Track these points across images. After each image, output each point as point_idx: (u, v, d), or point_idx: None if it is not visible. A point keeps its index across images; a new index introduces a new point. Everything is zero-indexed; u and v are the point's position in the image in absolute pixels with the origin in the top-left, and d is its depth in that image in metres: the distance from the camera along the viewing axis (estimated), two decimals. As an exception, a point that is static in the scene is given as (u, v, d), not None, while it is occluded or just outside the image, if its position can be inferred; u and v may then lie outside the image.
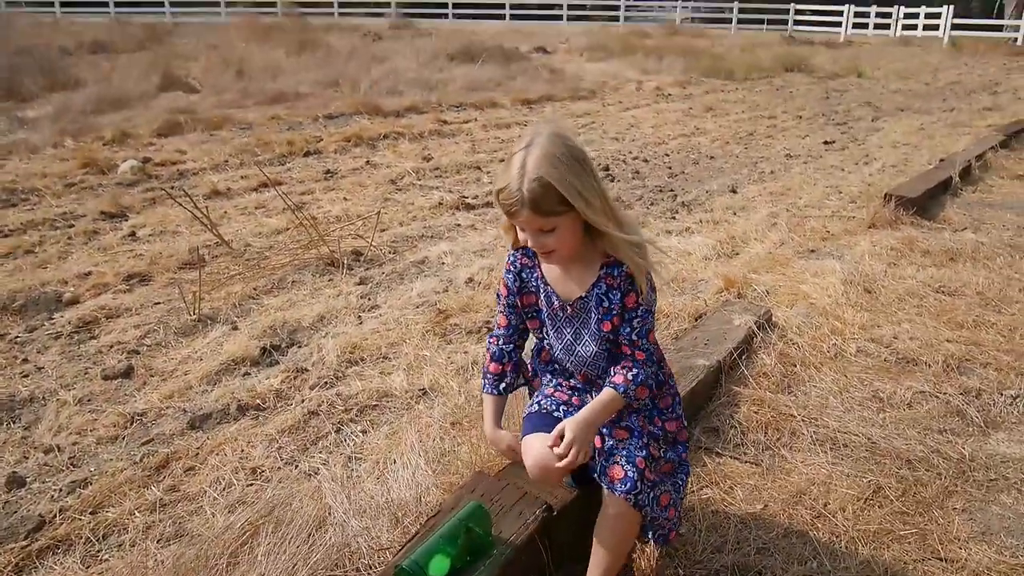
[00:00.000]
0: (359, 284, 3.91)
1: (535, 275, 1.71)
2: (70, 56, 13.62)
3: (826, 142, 7.91)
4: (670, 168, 6.69)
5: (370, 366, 3.06)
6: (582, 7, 32.94)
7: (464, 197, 5.46)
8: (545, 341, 1.78)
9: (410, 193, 5.65)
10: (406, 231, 4.76)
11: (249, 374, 3.04)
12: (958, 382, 2.79)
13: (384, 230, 4.73)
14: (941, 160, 6.60)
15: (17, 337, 3.37)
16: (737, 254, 4.33)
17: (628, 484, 1.55)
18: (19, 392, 2.90)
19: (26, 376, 3.03)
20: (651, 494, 1.59)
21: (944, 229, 4.76)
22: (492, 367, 1.82)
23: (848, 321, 3.24)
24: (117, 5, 33.41)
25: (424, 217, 5.08)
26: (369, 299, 3.73)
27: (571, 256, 1.62)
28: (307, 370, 3.03)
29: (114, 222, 4.94)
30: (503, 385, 1.82)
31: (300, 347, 3.25)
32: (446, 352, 3.14)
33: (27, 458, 2.50)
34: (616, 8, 30.14)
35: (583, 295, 1.64)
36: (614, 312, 1.63)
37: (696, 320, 3.24)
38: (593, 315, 1.65)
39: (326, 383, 2.93)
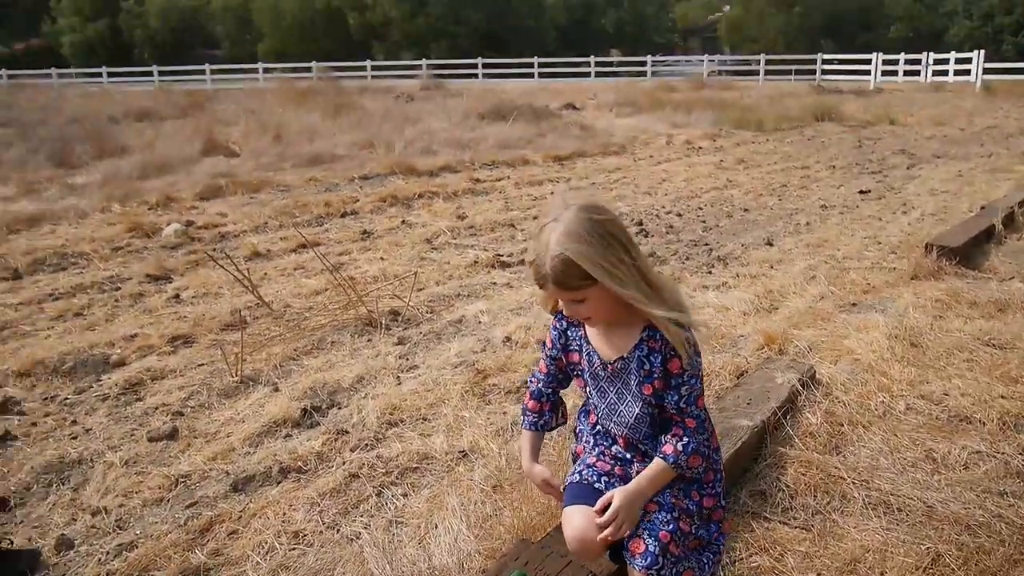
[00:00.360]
0: (397, 344, 3.93)
1: (579, 334, 1.73)
2: (117, 124, 14.15)
3: (862, 191, 7.86)
4: (704, 222, 6.69)
5: (410, 427, 3.06)
6: (609, 64, 33.54)
7: (499, 255, 5.50)
8: (590, 401, 1.77)
9: (446, 252, 5.71)
10: (442, 290, 4.80)
11: (291, 436, 3.05)
12: (1016, 441, 2.70)
13: (421, 289, 4.77)
14: (982, 207, 6.51)
15: (66, 399, 3.44)
16: (776, 309, 4.29)
17: (648, 559, 1.53)
18: (68, 454, 2.96)
19: (75, 438, 3.09)
20: (673, 570, 1.55)
21: (990, 279, 4.66)
22: (531, 404, 1.85)
23: (895, 377, 3.17)
24: (161, 73, 34.78)
25: (460, 276, 5.12)
26: (407, 359, 3.74)
27: (607, 321, 1.64)
28: (347, 432, 3.04)
29: (159, 285, 5.06)
30: (541, 422, 1.85)
31: (340, 408, 3.26)
32: (485, 413, 3.13)
33: (75, 520, 2.54)
34: (643, 64, 30.62)
35: (624, 356, 1.64)
36: (655, 375, 1.62)
37: (737, 378, 3.19)
38: (634, 377, 1.64)
39: (366, 445, 2.94)
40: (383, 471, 2.74)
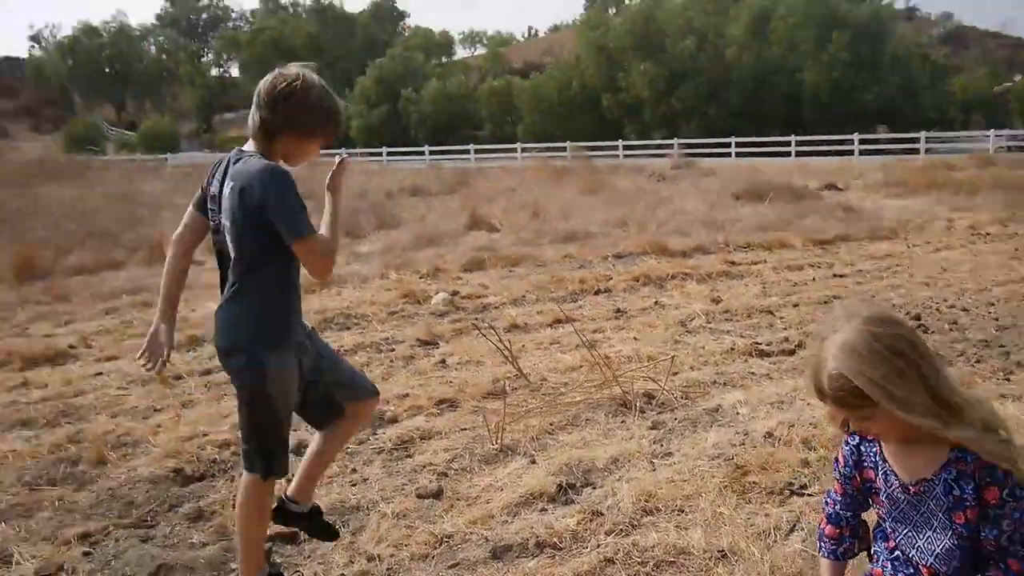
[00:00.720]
0: (651, 428, 3.89)
1: (874, 450, 1.57)
2: (393, 199, 15.75)
3: None
4: (997, 319, 5.95)
5: (665, 517, 2.98)
6: (876, 141, 31.54)
7: (757, 343, 5.28)
8: (886, 523, 1.61)
9: (700, 336, 5.60)
10: (698, 376, 4.70)
11: (546, 510, 3.11)
12: None
13: (675, 373, 4.70)
14: None
15: (348, 448, 3.79)
16: (1096, 425, 3.67)
17: None
18: (348, 499, 3.26)
19: (354, 485, 3.40)
20: None
21: None
22: (828, 530, 1.70)
23: None
24: (431, 153, 38.33)
25: (716, 362, 4.98)
26: (662, 445, 3.68)
27: (901, 440, 1.48)
28: (602, 513, 3.03)
29: (427, 349, 5.47)
30: (841, 550, 1.68)
31: (595, 488, 3.27)
32: (745, 512, 2.98)
33: (353, 562, 2.77)
34: (915, 140, 28.42)
35: (928, 479, 1.46)
36: (967, 503, 1.41)
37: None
38: (941, 503, 1.45)
39: (621, 530, 2.90)
40: (639, 560, 2.69)
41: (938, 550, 1.48)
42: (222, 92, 78.09)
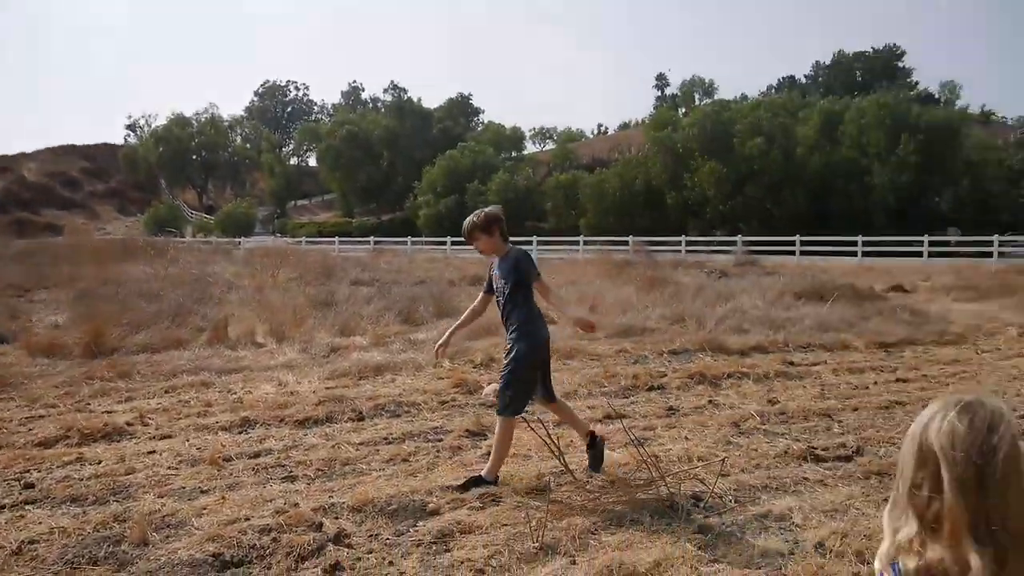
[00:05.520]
0: (697, 532, 3.78)
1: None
2: (454, 287, 16.00)
3: None
4: (1071, 432, 5.65)
5: (707, 628, 2.87)
6: (946, 243, 30.84)
7: (812, 447, 5.12)
8: None
9: (753, 438, 5.46)
10: (749, 479, 4.57)
11: (583, 614, 3.03)
12: None
13: (725, 475, 4.58)
14: None
15: (387, 539, 3.78)
16: None
17: None
18: (384, 594, 3.22)
19: (390, 578, 3.36)
20: None
21: None
22: None
23: None
24: (491, 244, 38.94)
25: (768, 465, 4.84)
26: (707, 551, 3.57)
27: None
28: (640, 621, 2.93)
29: (475, 440, 5.46)
30: None
31: (635, 593, 3.18)
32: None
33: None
34: (988, 244, 27.66)
35: None
36: None
37: None
38: None
39: (659, 639, 2.80)
40: (675, 673, 2.58)
41: None
42: (299, 180, 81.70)
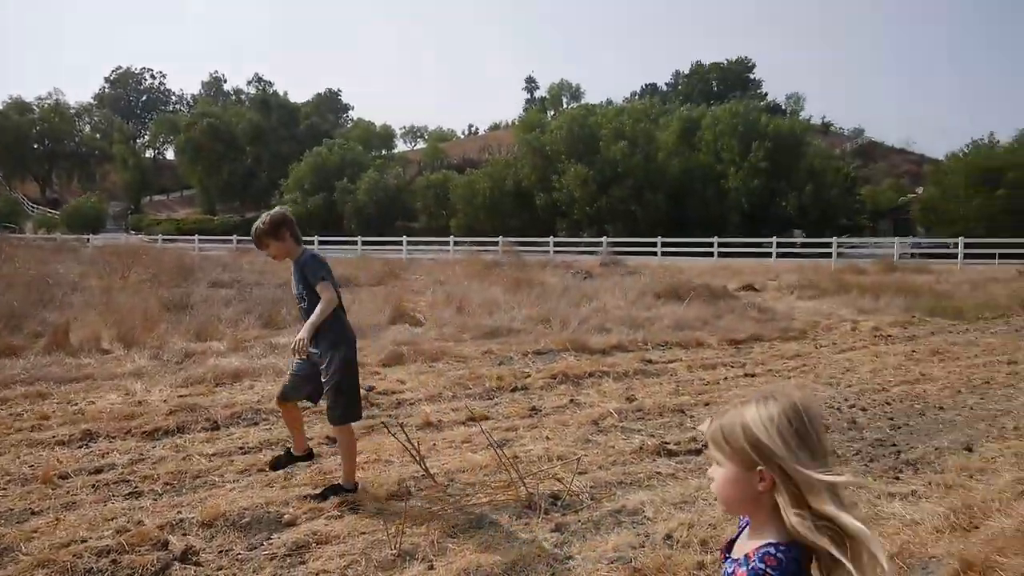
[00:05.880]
0: (554, 531, 3.87)
1: (745, 520, 1.62)
2: (321, 289, 15.59)
3: (1083, 396, 7.01)
4: (891, 419, 6.20)
5: (559, 625, 2.94)
6: (792, 244, 33.06)
7: (666, 443, 5.36)
8: None
9: (611, 435, 5.65)
10: (605, 476, 4.72)
11: (439, 620, 3.03)
12: None
13: (583, 473, 4.71)
14: None
15: (239, 554, 3.64)
16: (976, 527, 3.82)
17: None
18: (233, 612, 3.09)
19: (240, 597, 3.24)
20: None
21: None
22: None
23: None
24: (364, 243, 38.40)
25: (624, 462, 5.02)
26: (563, 549, 3.66)
27: (726, 508, 1.53)
28: (495, 623, 2.97)
29: (335, 447, 5.30)
30: None
31: (491, 595, 3.21)
32: None
33: None
34: (829, 245, 29.90)
35: (733, 558, 1.51)
36: None
37: (928, 612, 2.83)
38: None
39: (513, 640, 2.85)
40: (527, 672, 2.63)
41: None
42: (155, 174, 77.35)
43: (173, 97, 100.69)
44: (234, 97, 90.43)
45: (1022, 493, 4.31)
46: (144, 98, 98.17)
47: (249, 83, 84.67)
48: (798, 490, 1.43)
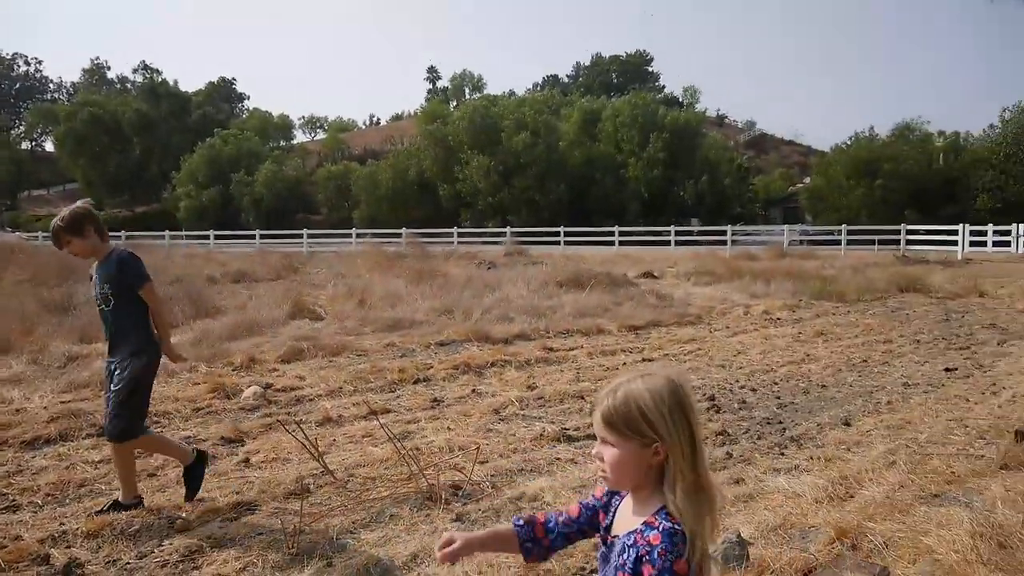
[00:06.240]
0: (455, 521, 3.89)
1: (618, 501, 1.73)
2: (216, 285, 15.11)
3: (948, 369, 7.56)
4: (779, 398, 6.52)
5: (458, 613, 2.97)
6: (690, 232, 34.16)
7: (565, 429, 5.46)
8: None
9: (512, 423, 5.71)
10: (506, 464, 4.77)
11: (338, 617, 3.01)
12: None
13: (484, 462, 4.75)
14: (1079, 392, 6.15)
15: (128, 563, 3.50)
16: (852, 497, 4.07)
17: None
18: (121, 625, 2.98)
19: (129, 608, 3.12)
20: None
21: (1090, 472, 4.33)
22: (539, 515, 1.81)
23: (980, 584, 2.93)
24: (262, 237, 37.30)
25: (525, 449, 5.09)
26: (463, 538, 3.68)
27: (618, 485, 1.65)
28: (395, 615, 2.97)
29: (231, 447, 5.20)
30: (527, 533, 1.78)
31: (391, 588, 3.21)
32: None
33: None
34: (723, 233, 31.06)
35: (619, 535, 1.62)
36: (627, 569, 1.56)
37: (804, 576, 3.01)
38: (614, 562, 1.61)
39: (412, 631, 2.86)
40: (426, 662, 2.65)
41: None
42: (33, 167, 72.83)
43: (51, 85, 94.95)
44: (119, 86, 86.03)
45: (892, 463, 4.61)
46: (18, 86, 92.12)
47: (135, 71, 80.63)
48: (684, 460, 1.55)
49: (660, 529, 1.53)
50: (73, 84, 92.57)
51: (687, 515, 1.54)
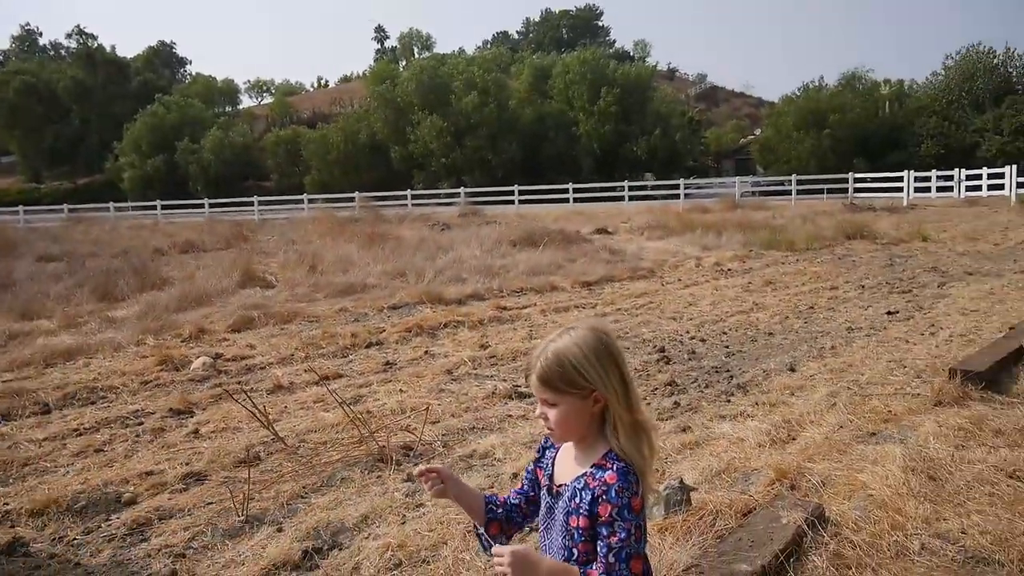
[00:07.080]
0: (406, 481, 3.92)
1: (552, 453, 1.77)
2: (163, 256, 14.80)
3: (889, 312, 7.77)
4: (727, 347, 6.65)
5: (409, 569, 3.01)
6: (643, 187, 34.32)
7: (516, 386, 5.50)
8: (540, 528, 1.77)
9: (465, 383, 5.74)
10: (458, 423, 4.80)
11: (288, 580, 3.02)
12: (1035, 587, 2.56)
13: (436, 422, 4.78)
14: (1011, 328, 6.38)
15: (74, 540, 3.46)
16: (793, 440, 4.19)
17: None
18: (65, 602, 2.95)
19: (77, 583, 3.09)
20: None
21: (1017, 404, 4.51)
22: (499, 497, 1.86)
23: (910, 514, 3.05)
24: (211, 205, 36.52)
25: (476, 408, 5.12)
26: (414, 497, 3.71)
27: (566, 439, 1.68)
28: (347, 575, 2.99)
29: (180, 419, 5.14)
30: (492, 498, 1.83)
31: (342, 549, 3.23)
32: (485, 556, 3.07)
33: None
34: (677, 187, 31.27)
35: (567, 483, 1.66)
36: (582, 512, 1.59)
37: (743, 517, 3.10)
38: (566, 506, 1.64)
39: (363, 590, 2.88)
40: (376, 619, 2.68)
41: (555, 548, 1.66)
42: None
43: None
44: (52, 52, 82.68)
45: (833, 405, 4.75)
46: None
47: (69, 36, 77.49)
48: (620, 403, 1.61)
49: (615, 469, 1.58)
50: (4, 53, 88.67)
51: (632, 454, 1.59)
